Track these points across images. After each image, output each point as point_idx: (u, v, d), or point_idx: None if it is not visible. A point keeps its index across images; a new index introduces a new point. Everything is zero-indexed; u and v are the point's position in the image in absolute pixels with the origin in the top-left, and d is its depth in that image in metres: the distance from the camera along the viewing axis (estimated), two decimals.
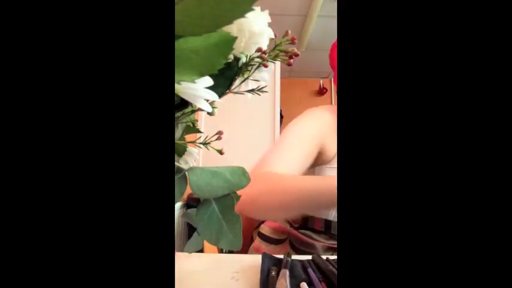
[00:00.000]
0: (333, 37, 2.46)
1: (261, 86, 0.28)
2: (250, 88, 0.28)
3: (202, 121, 2.15)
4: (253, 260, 0.46)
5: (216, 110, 0.27)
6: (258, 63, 0.27)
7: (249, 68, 0.27)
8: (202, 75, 0.22)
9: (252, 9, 0.17)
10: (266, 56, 0.26)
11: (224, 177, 0.29)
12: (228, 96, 0.28)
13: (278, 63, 2.23)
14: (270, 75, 0.28)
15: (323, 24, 2.25)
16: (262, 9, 0.25)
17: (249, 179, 0.29)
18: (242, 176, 0.29)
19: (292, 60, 0.27)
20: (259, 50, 0.26)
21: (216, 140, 0.27)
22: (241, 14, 0.17)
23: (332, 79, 3.35)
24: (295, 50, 0.26)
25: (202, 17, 0.18)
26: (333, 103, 3.33)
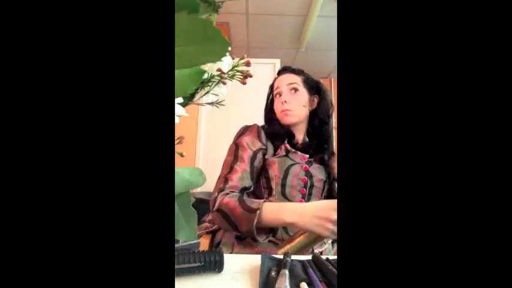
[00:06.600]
0: (333, 37, 2.47)
1: (220, 100, 0.32)
2: (210, 101, 0.32)
3: (203, 121, 2.17)
4: (253, 260, 0.47)
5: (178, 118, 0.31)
6: (217, 80, 0.31)
7: (210, 84, 0.31)
8: (176, 96, 0.27)
9: (225, 55, 0.21)
10: (225, 75, 0.31)
11: (182, 176, 0.33)
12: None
13: (278, 61, 2.21)
14: (227, 91, 0.32)
15: (323, 24, 2.26)
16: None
17: (205, 179, 0.33)
18: (199, 176, 0.34)
19: (246, 80, 0.31)
20: (219, 70, 0.30)
21: (177, 143, 0.32)
22: (214, 60, 0.22)
23: (332, 79, 3.36)
24: (249, 72, 0.31)
25: (180, 57, 0.23)
26: (333, 103, 3.33)
